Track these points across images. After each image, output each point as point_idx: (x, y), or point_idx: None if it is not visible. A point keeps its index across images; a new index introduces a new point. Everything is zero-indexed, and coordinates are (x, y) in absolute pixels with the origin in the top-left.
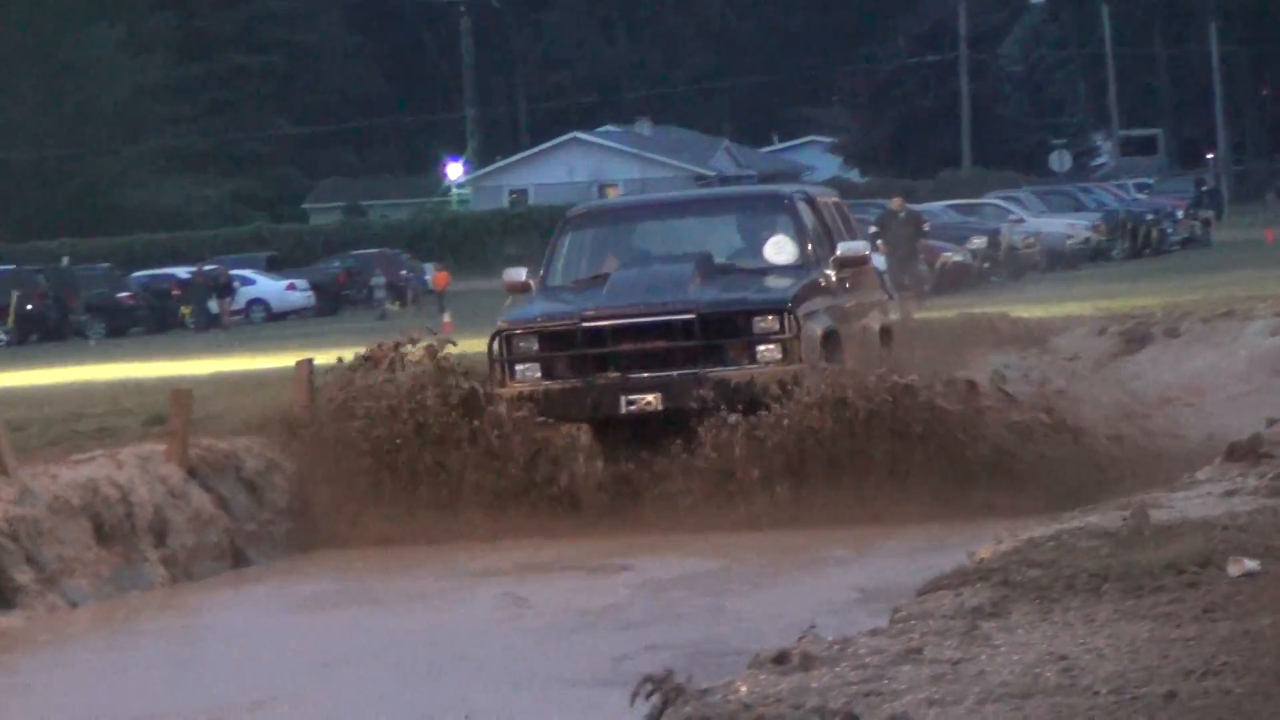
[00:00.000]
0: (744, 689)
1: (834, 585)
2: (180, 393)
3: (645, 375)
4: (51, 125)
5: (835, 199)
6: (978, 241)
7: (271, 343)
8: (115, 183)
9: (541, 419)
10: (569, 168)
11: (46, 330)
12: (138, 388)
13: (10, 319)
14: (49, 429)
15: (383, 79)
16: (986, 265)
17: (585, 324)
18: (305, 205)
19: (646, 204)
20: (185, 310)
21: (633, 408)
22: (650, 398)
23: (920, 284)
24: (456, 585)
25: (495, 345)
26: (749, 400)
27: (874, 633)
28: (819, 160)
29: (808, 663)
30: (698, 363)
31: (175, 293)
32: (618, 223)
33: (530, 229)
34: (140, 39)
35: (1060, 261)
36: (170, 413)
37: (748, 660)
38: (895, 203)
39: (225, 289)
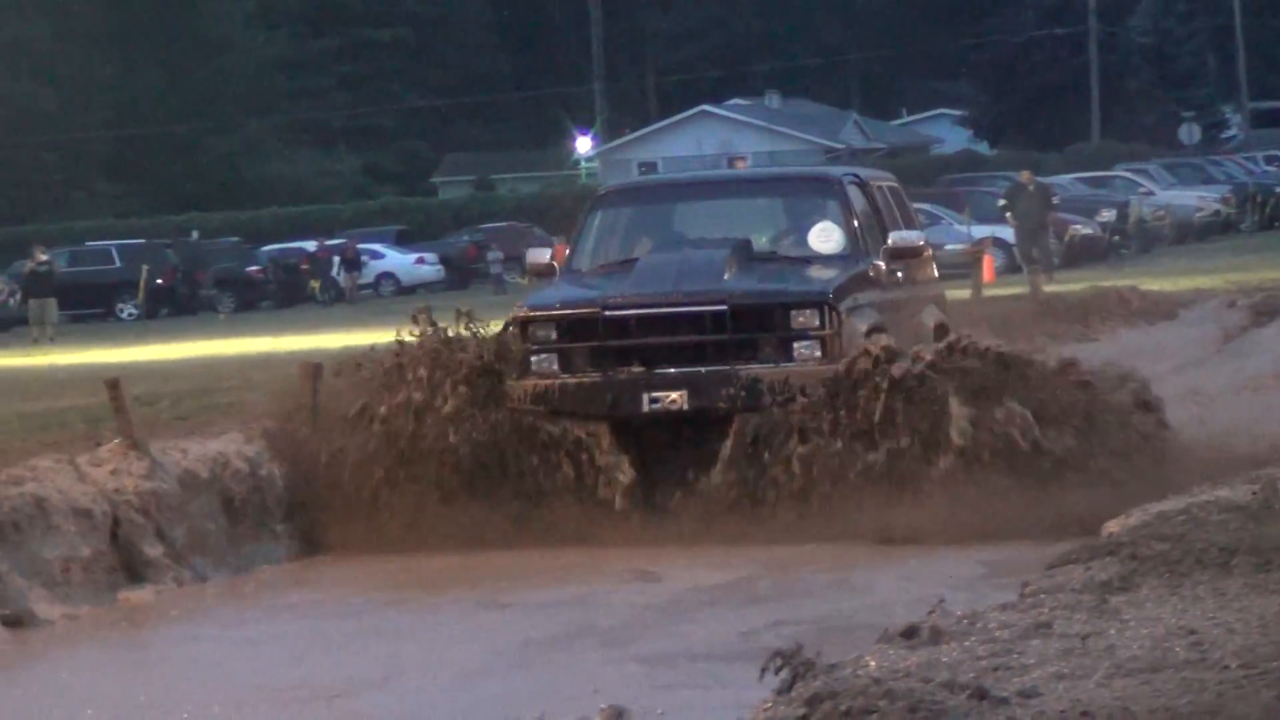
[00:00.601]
0: (873, 663)
1: (961, 560)
2: (308, 365)
3: (671, 371)
4: (181, 100)
5: (892, 183)
6: (1107, 214)
7: (398, 316)
8: (244, 157)
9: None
10: (698, 140)
11: (176, 305)
12: (266, 362)
13: (140, 294)
14: (179, 404)
15: (511, 53)
16: (1115, 238)
17: (607, 312)
18: (434, 179)
19: (683, 183)
20: (314, 284)
21: (656, 406)
22: (675, 396)
23: (1049, 257)
24: (584, 559)
25: (510, 333)
26: (784, 402)
27: (1003, 607)
28: (948, 133)
29: (937, 637)
30: (729, 359)
31: (304, 267)
32: (652, 202)
33: None
34: (269, 13)
35: (1189, 234)
36: (300, 386)
37: (876, 635)
38: (1024, 176)
39: (352, 263)
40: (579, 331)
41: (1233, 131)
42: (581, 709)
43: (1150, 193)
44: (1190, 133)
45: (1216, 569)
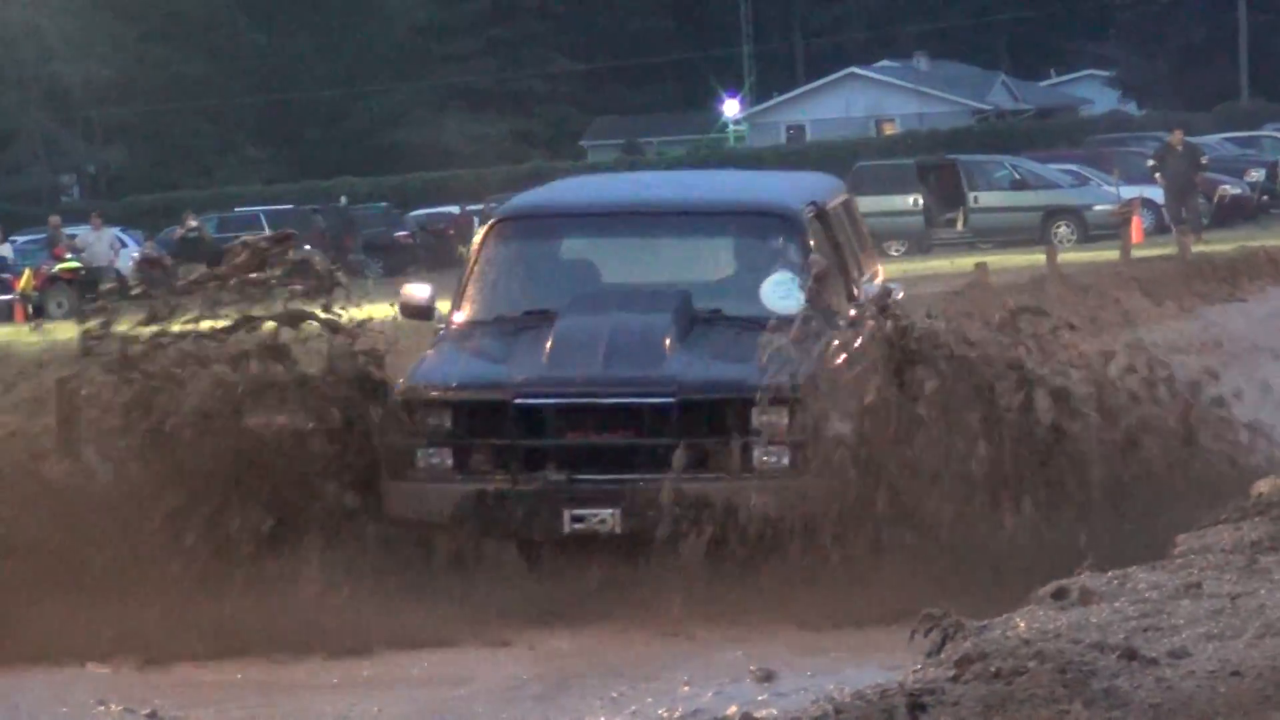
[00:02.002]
0: (1022, 624)
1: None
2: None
3: (601, 479)
4: (329, 66)
5: (844, 197)
6: (1255, 174)
7: None
8: (392, 122)
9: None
10: (846, 103)
11: None
12: (417, 329)
13: None
14: None
15: (659, 16)
16: (1265, 198)
17: (519, 401)
18: (582, 143)
19: (602, 212)
20: (461, 248)
21: (579, 525)
22: (606, 514)
23: (1198, 218)
24: None
25: (390, 419)
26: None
27: (1152, 568)
28: (1097, 93)
29: (1086, 598)
30: (675, 466)
31: (450, 231)
32: (562, 234)
33: (808, 165)
34: None
35: None
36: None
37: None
38: (1174, 137)
39: None
40: (482, 423)
41: None
42: None
43: None
44: None
45: None
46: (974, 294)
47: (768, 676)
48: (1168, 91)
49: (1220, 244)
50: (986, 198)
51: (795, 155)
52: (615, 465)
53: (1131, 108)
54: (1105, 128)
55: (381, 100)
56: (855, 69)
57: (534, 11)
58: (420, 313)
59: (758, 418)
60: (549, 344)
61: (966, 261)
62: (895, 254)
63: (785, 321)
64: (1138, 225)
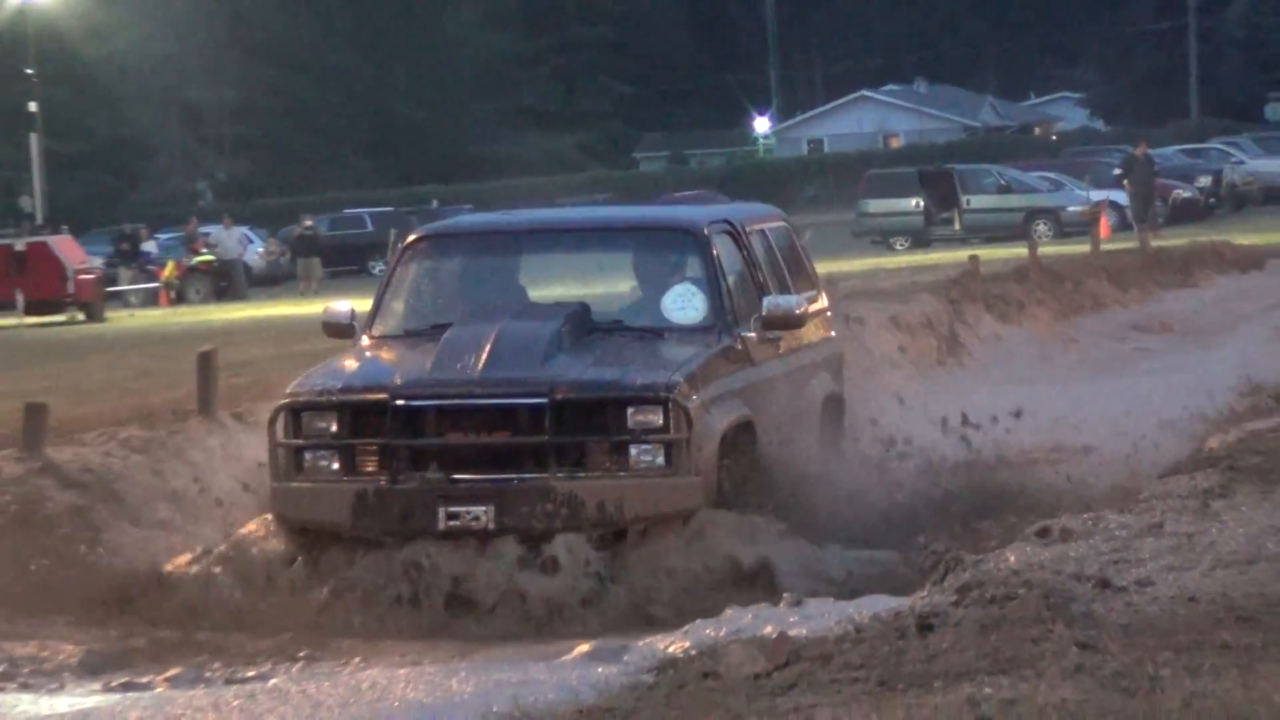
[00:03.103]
0: (1012, 558)
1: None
2: None
3: (476, 479)
4: (424, 89)
5: (779, 223)
6: (1203, 180)
7: None
8: (476, 137)
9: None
10: (858, 120)
11: None
12: None
13: (389, 253)
14: None
15: (700, 47)
16: (1211, 200)
17: (399, 402)
18: (635, 154)
19: (515, 229)
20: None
21: (454, 523)
22: (481, 512)
23: (1155, 217)
24: None
25: (279, 423)
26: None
27: (1121, 510)
28: (1069, 112)
29: (1066, 536)
30: (549, 465)
31: None
32: (475, 253)
33: (825, 173)
34: (496, 17)
35: (1275, 197)
36: None
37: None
38: (1139, 149)
39: None
40: (364, 424)
41: None
42: None
43: (1241, 162)
44: (1275, 111)
45: None
46: (966, 281)
47: (798, 602)
48: (1129, 110)
49: (1174, 239)
50: (977, 200)
51: (816, 165)
52: (492, 465)
53: (1099, 124)
54: (1077, 141)
55: (466, 119)
56: (866, 92)
57: (593, 44)
58: (341, 331)
59: (632, 418)
60: (435, 350)
61: (960, 254)
62: (900, 248)
63: (685, 330)
64: (1105, 223)
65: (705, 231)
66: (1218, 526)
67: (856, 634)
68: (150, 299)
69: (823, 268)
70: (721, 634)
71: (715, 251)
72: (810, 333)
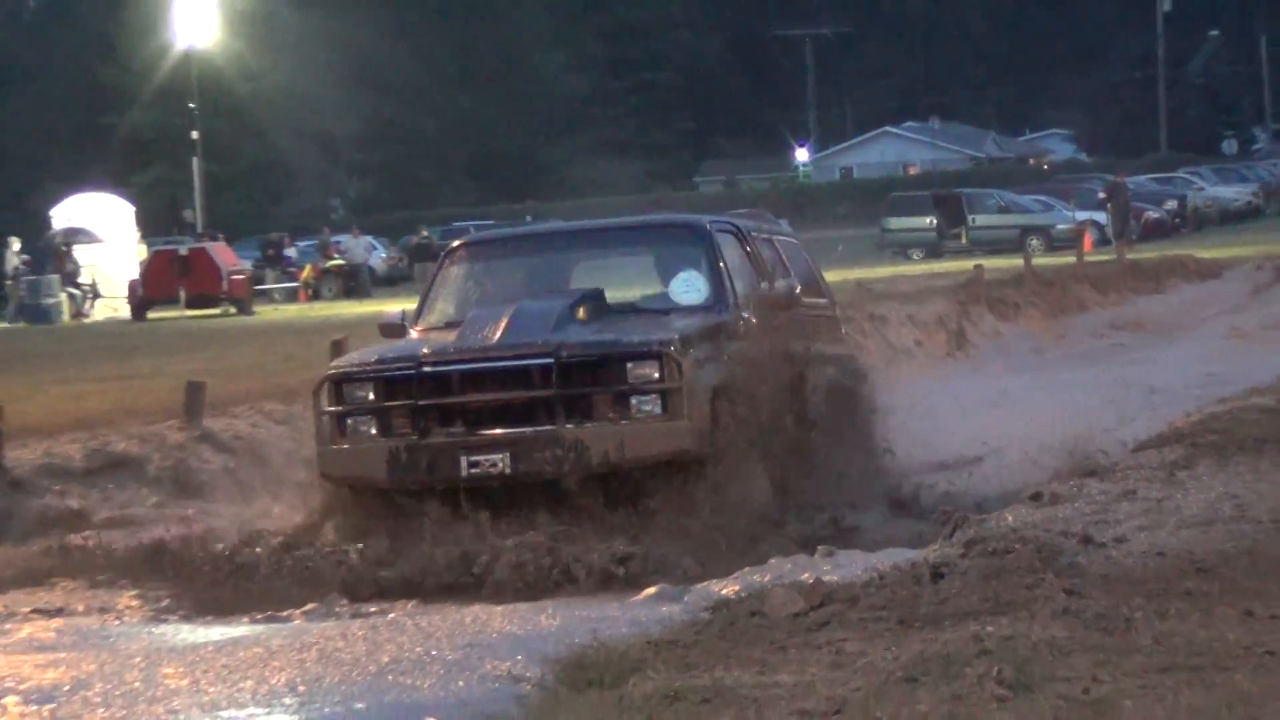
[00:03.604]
0: (1010, 518)
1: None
2: None
3: (493, 432)
4: (520, 122)
5: (788, 238)
6: (1170, 203)
7: None
8: (562, 163)
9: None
10: (881, 152)
11: None
12: None
13: None
14: None
15: (750, 89)
16: (1177, 220)
17: (425, 369)
18: (695, 179)
19: (541, 235)
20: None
21: (475, 470)
22: (498, 459)
23: (1131, 234)
24: None
25: (324, 394)
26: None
27: (1100, 479)
28: (1058, 145)
29: (1055, 500)
30: (559, 419)
31: None
32: (507, 256)
33: (855, 196)
34: (580, 62)
35: (1230, 218)
36: None
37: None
38: (1119, 176)
39: None
40: (396, 391)
41: (1260, 145)
42: None
43: (1202, 188)
44: (1230, 146)
45: (1253, 453)
46: (972, 286)
47: (830, 553)
48: (1109, 145)
49: (1146, 253)
50: (981, 219)
51: (846, 188)
52: (508, 420)
53: (1083, 156)
54: (1064, 170)
55: (554, 147)
56: (888, 128)
57: (661, 86)
58: (394, 331)
59: (632, 372)
60: (461, 326)
61: (967, 264)
62: (916, 258)
63: (688, 309)
64: (1088, 239)
65: (708, 229)
66: (1182, 493)
67: (879, 580)
68: (290, 296)
69: (852, 273)
70: (766, 579)
71: (717, 245)
72: (817, 333)
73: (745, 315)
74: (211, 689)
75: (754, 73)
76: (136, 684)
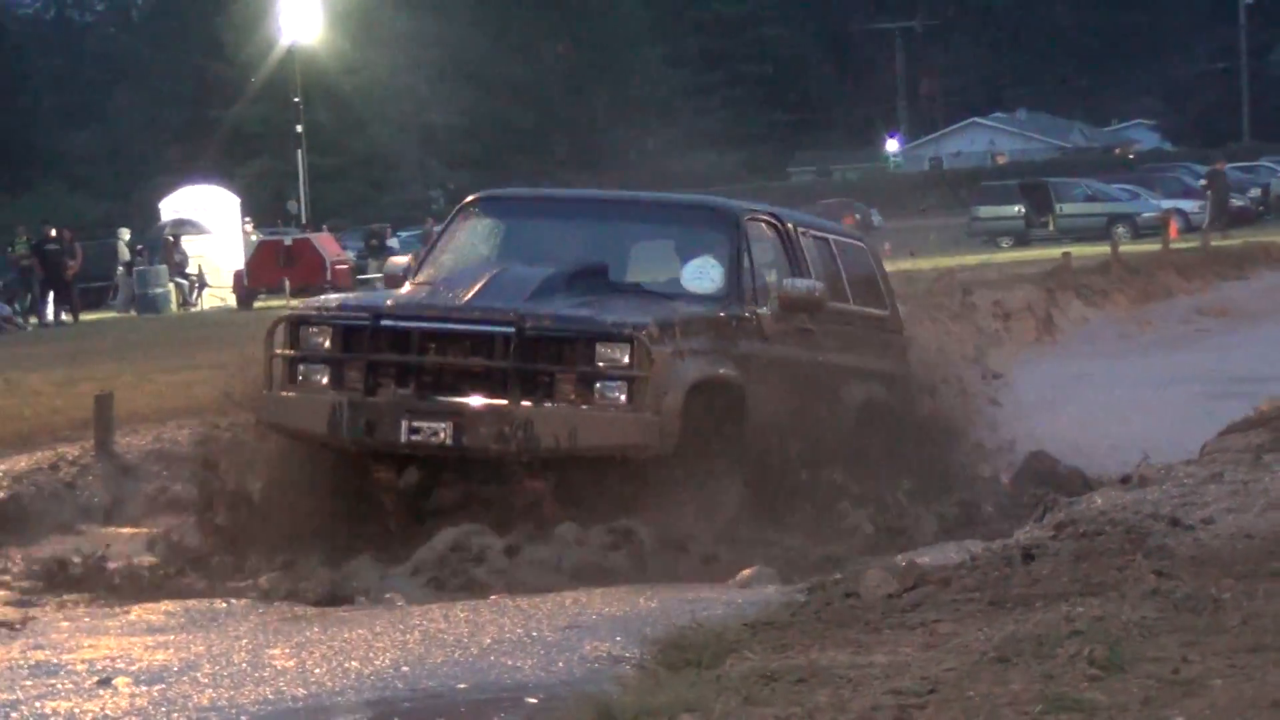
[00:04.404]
0: (1100, 500)
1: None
2: None
3: (441, 399)
4: (620, 114)
5: (856, 242)
6: (1254, 191)
7: None
8: (659, 154)
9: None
10: (970, 141)
11: None
12: None
13: None
14: None
15: (842, 81)
16: (1260, 208)
17: (382, 322)
18: (789, 169)
19: (560, 198)
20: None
21: (415, 437)
22: (440, 428)
23: (1222, 221)
24: None
25: (276, 334)
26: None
27: (1188, 462)
28: (1143, 135)
29: (1144, 483)
30: (516, 394)
31: None
32: (523, 216)
33: (943, 186)
34: (677, 56)
35: None
36: None
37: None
38: (1219, 164)
39: None
40: (352, 342)
41: None
42: None
43: None
44: None
45: None
46: (1059, 273)
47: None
48: (1192, 134)
49: (1230, 240)
50: (1068, 207)
51: (935, 178)
52: (462, 389)
53: (1168, 145)
54: (1149, 160)
55: (650, 139)
56: (976, 119)
57: (756, 79)
58: (396, 281)
59: (600, 354)
60: (437, 283)
61: (1055, 251)
62: (1005, 246)
63: (697, 297)
64: (1173, 227)
65: (737, 214)
66: (1269, 476)
67: (971, 563)
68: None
69: (940, 262)
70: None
71: (746, 234)
72: (864, 346)
73: (760, 311)
74: (318, 670)
75: (845, 65)
76: (244, 665)
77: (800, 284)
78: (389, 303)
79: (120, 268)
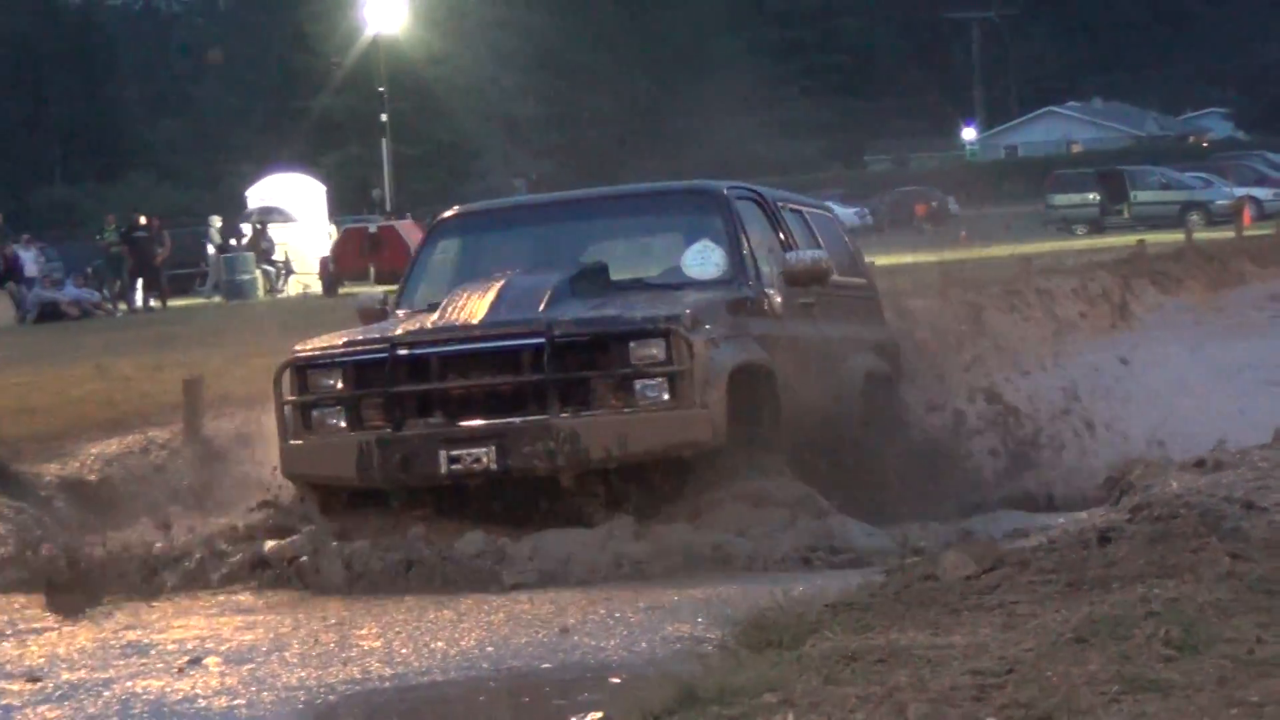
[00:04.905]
0: (1174, 484)
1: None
2: None
3: (477, 423)
4: (701, 102)
5: (823, 212)
6: None
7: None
8: (738, 142)
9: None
10: (1046, 130)
11: None
12: None
13: None
14: None
15: (918, 69)
16: None
17: (400, 350)
18: (865, 157)
19: (536, 204)
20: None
21: (457, 466)
22: (483, 453)
23: None
24: None
25: (284, 382)
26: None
27: (1264, 447)
28: (1216, 124)
29: (1218, 466)
30: (552, 406)
31: None
32: (501, 227)
33: (1019, 174)
34: (756, 45)
35: None
36: None
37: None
38: None
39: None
40: (367, 377)
41: None
42: None
43: None
44: None
45: None
46: (1134, 260)
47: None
48: (1266, 122)
49: None
50: (1142, 195)
51: (1011, 166)
52: (496, 409)
53: (1241, 135)
54: (1223, 148)
55: (730, 127)
56: (1052, 107)
57: (834, 68)
58: (373, 315)
59: (634, 353)
60: (441, 305)
61: (1130, 239)
62: (1080, 233)
63: (704, 284)
64: (1247, 214)
65: (725, 193)
66: None
67: (1049, 545)
68: None
69: (1019, 248)
70: (939, 544)
71: (737, 214)
72: (854, 315)
73: (769, 291)
74: (404, 650)
75: (922, 54)
76: (331, 645)
77: (805, 255)
78: (400, 330)
79: (211, 253)
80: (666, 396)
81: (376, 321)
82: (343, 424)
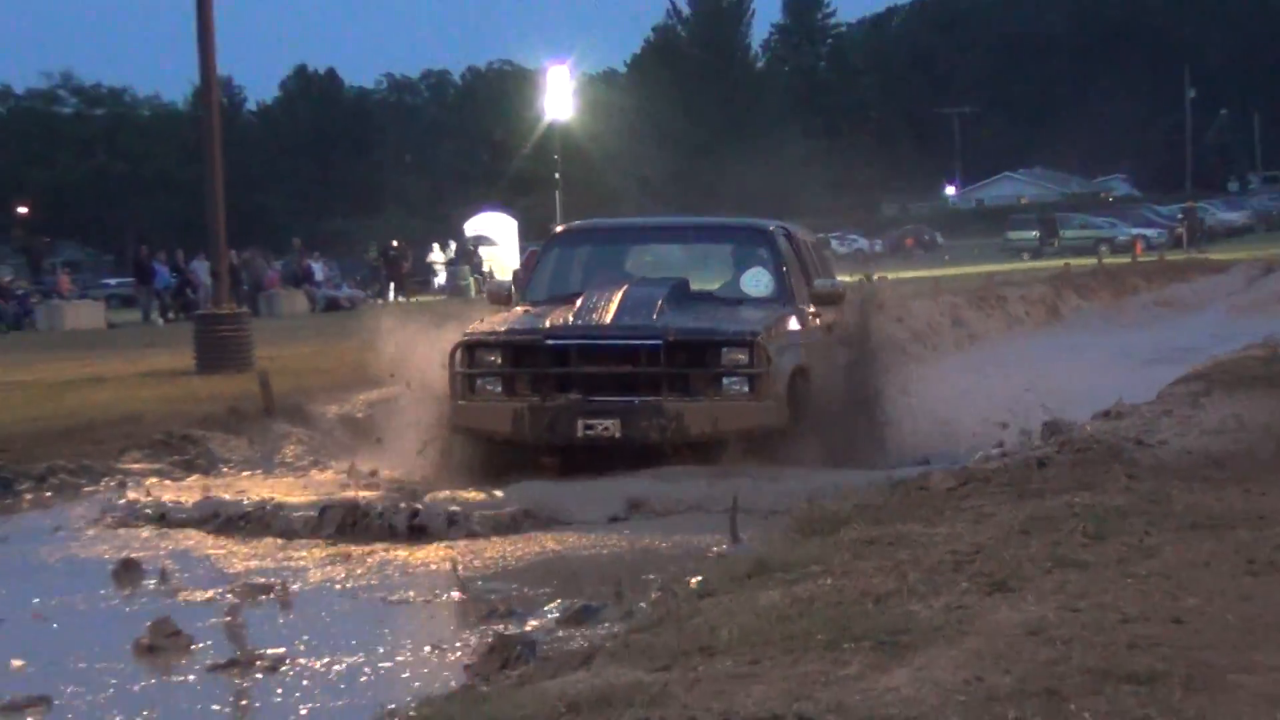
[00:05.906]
0: (1089, 427)
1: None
2: None
3: (607, 400)
4: (765, 165)
5: (813, 237)
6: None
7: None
8: (794, 193)
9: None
10: (1003, 188)
11: None
12: None
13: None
14: None
15: (917, 143)
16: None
17: (549, 340)
18: (879, 204)
19: (634, 226)
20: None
21: (590, 432)
22: (609, 424)
23: (1198, 242)
24: None
25: (457, 356)
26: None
27: (1150, 404)
28: (1118, 185)
29: (1119, 416)
30: (661, 391)
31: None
32: (604, 242)
33: (985, 218)
34: (806, 127)
35: (1234, 233)
36: None
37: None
38: (1190, 204)
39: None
40: (522, 358)
41: (1253, 185)
42: None
43: (1214, 213)
44: (1234, 185)
45: (1249, 387)
46: (1062, 277)
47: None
48: (1152, 184)
49: (1176, 255)
50: (1068, 233)
51: (980, 213)
52: (618, 390)
53: (1136, 192)
54: (1123, 202)
55: (788, 182)
56: (1007, 173)
57: (859, 143)
58: (502, 299)
59: (726, 356)
60: (577, 304)
61: (1058, 262)
62: (1025, 259)
63: (757, 300)
64: (1139, 246)
65: (773, 231)
66: (1202, 413)
67: (1004, 468)
68: None
69: (983, 268)
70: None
71: (780, 246)
72: (839, 315)
73: (802, 307)
74: (582, 541)
75: (920, 135)
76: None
77: (827, 283)
78: (547, 324)
79: (441, 267)
80: (747, 390)
81: (503, 305)
82: (499, 390)
